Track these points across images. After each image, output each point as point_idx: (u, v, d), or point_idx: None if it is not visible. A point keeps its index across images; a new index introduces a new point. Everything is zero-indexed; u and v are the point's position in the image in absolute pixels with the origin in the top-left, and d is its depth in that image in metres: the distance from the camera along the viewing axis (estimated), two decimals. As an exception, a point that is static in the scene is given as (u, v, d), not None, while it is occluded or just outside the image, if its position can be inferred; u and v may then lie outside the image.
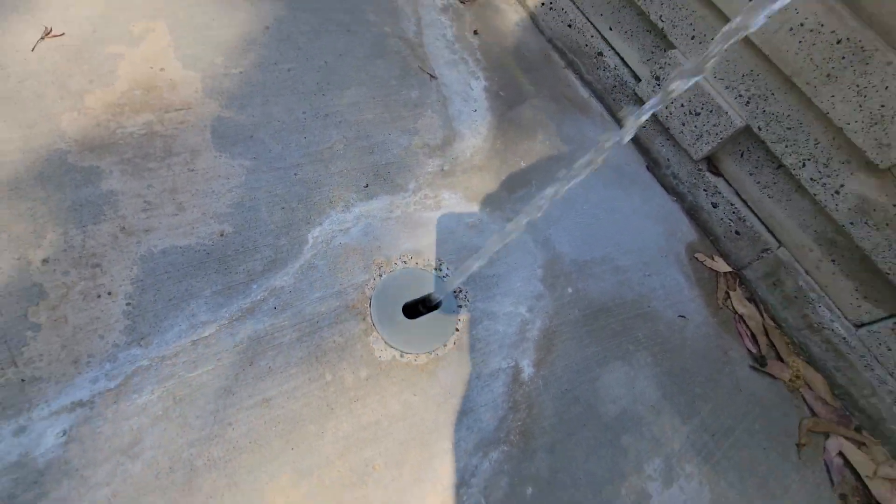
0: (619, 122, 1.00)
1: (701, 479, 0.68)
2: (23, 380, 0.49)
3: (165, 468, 0.49)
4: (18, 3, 0.69)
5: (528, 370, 0.67)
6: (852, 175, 0.73)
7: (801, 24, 0.71)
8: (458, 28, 1.00)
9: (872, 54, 0.65)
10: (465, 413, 0.61)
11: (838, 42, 0.68)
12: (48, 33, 0.68)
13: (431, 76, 0.90)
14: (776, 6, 0.40)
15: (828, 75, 0.70)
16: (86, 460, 0.47)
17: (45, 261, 0.55)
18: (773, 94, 0.78)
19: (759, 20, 0.40)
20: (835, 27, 0.68)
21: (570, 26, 1.03)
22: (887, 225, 0.71)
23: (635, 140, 1.00)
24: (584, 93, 1.04)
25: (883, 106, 0.66)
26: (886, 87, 0.65)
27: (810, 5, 0.69)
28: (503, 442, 0.61)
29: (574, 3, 1.03)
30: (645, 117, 0.47)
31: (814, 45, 0.70)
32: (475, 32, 1.01)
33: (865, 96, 0.67)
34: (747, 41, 0.77)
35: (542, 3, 1.07)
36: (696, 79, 0.46)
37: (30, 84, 0.64)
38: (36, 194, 0.58)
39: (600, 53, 1.00)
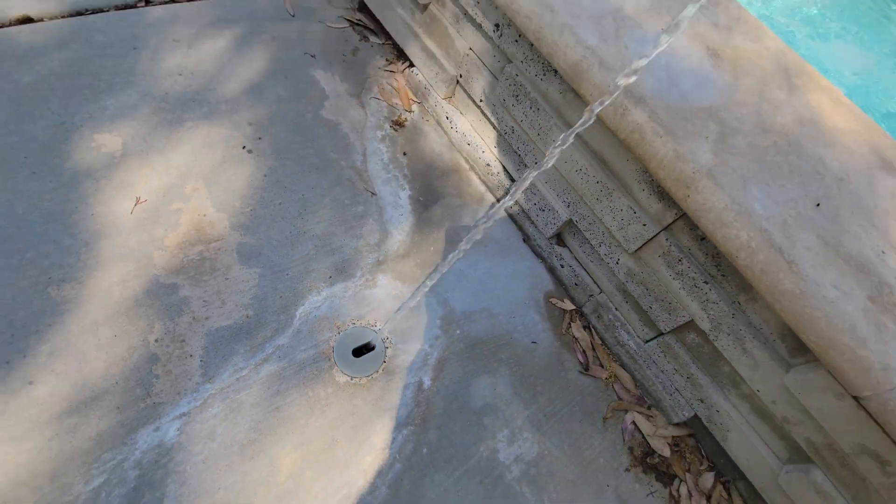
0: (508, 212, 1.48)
1: (533, 441, 1.15)
2: (155, 404, 0.97)
3: (228, 445, 0.97)
4: (119, 185, 1.18)
5: (427, 383, 1.15)
6: (622, 254, 1.21)
7: (580, 169, 1.19)
8: (392, 152, 1.49)
9: (613, 192, 1.13)
10: (388, 409, 1.09)
11: (597, 182, 1.16)
12: (139, 201, 1.17)
13: (372, 193, 1.38)
14: (541, 168, 0.88)
15: (597, 199, 1.18)
16: (189, 443, 0.95)
17: (156, 340, 1.03)
18: (578, 202, 1.26)
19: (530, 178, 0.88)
20: (594, 173, 1.16)
21: (469, 144, 1.52)
22: (642, 283, 1.19)
23: (515, 221, 1.48)
24: (481, 189, 1.52)
25: (623, 220, 1.14)
26: (622, 210, 1.13)
27: (582, 159, 1.17)
28: (410, 424, 1.09)
29: (473, 128, 1.52)
30: (494, 216, 0.95)
31: (587, 181, 1.18)
32: (404, 154, 1.50)
33: (615, 213, 1.15)
34: (558, 172, 1.26)
35: (451, 127, 1.55)
36: (509, 202, 0.93)
37: (133, 236, 1.12)
38: (146, 302, 1.06)
39: (488, 164, 1.48)
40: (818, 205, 0.95)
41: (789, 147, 1.03)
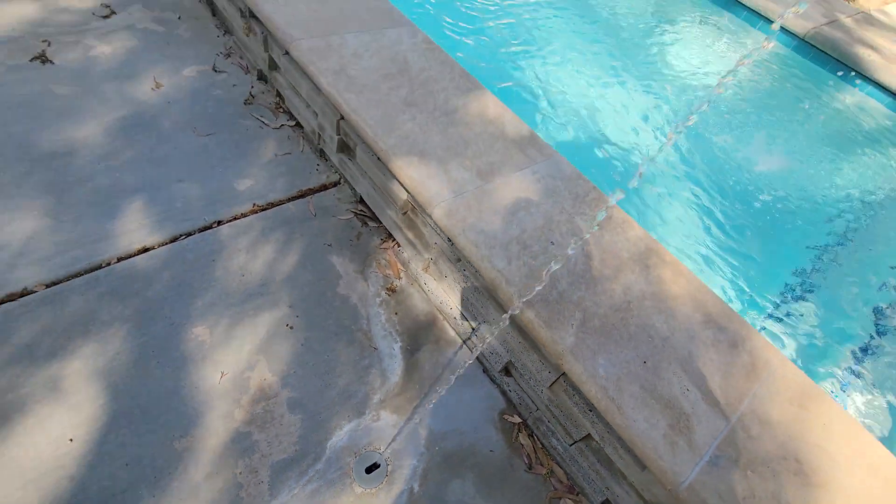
0: (472, 351, 2.08)
1: (491, 526, 1.67)
2: (242, 517, 1.52)
3: (289, 542, 1.51)
4: (210, 363, 1.81)
5: (416, 488, 1.69)
6: (542, 387, 1.79)
7: (509, 333, 1.80)
8: (387, 314, 2.12)
9: (528, 350, 1.74)
10: (390, 510, 1.63)
11: (519, 342, 1.76)
12: (223, 374, 1.79)
13: (374, 348, 2.00)
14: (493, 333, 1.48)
15: (520, 352, 1.78)
16: (265, 542, 1.50)
17: (240, 472, 1.60)
18: (512, 351, 1.86)
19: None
20: (517, 337, 1.77)
21: (441, 303, 2.16)
22: (558, 406, 1.76)
23: (477, 358, 2.08)
24: (453, 335, 2.14)
25: (537, 367, 1.73)
26: (536, 361, 1.72)
27: (510, 328, 1.79)
28: (406, 519, 1.62)
29: (444, 292, 2.16)
30: (461, 370, 1.54)
31: (514, 341, 1.79)
32: (396, 314, 2.14)
33: (532, 362, 1.75)
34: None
35: (429, 291, 2.20)
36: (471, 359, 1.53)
37: (221, 400, 1.73)
38: (231, 447, 1.64)
39: (455, 318, 2.11)
40: (645, 362, 1.54)
41: (631, 319, 1.65)
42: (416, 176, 1.88)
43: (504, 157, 2.07)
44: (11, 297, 1.81)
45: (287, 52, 2.40)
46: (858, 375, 2.73)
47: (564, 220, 1.88)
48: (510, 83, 4.16)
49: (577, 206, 1.97)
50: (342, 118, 2.24)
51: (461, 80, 2.36)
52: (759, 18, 6.59)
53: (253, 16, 2.59)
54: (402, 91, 2.20)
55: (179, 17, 3.14)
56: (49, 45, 2.71)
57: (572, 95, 4.22)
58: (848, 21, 7.01)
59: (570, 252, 1.74)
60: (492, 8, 5.00)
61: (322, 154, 2.63)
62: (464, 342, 2.10)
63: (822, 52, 6.40)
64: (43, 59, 2.62)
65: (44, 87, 2.49)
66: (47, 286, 1.86)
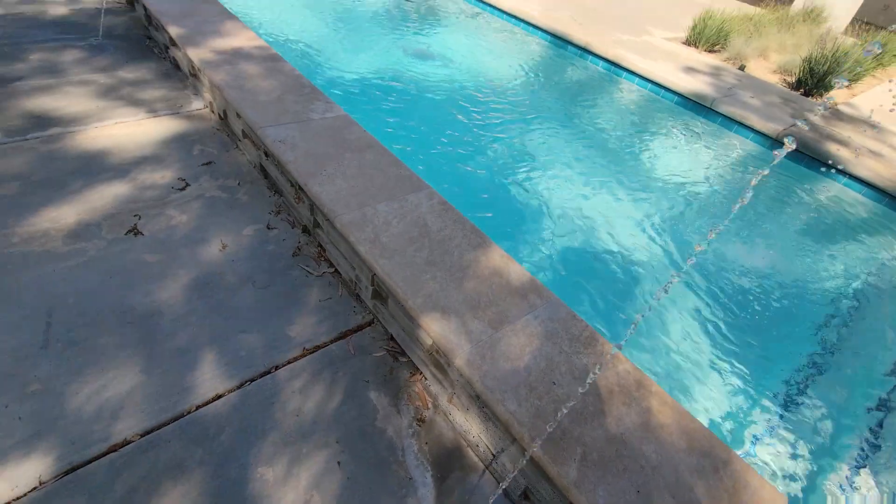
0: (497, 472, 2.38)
1: None
2: None
3: None
4: (272, 501, 2.15)
5: None
6: (544, 485, 2.07)
7: (525, 463, 2.12)
8: (419, 444, 2.47)
9: (542, 479, 2.05)
10: None
11: (533, 471, 2.08)
12: (285, 510, 2.12)
13: (410, 478, 2.32)
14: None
15: (536, 481, 2.09)
16: None
17: None
18: (528, 476, 2.17)
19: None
20: (532, 467, 2.09)
21: (465, 431, 2.50)
22: (571, 531, 2.03)
23: (499, 483, 2.37)
24: (476, 460, 2.45)
25: (551, 494, 2.03)
26: (550, 489, 2.03)
27: (529, 465, 2.12)
28: None
29: (466, 421, 2.51)
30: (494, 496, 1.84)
31: (530, 470, 2.11)
32: (426, 444, 2.47)
33: (548, 490, 2.05)
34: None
35: (453, 420, 2.55)
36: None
37: (284, 534, 2.05)
38: (294, 579, 1.93)
39: (478, 445, 2.44)
40: (638, 491, 1.85)
41: (625, 450, 1.97)
42: (439, 330, 2.32)
43: (510, 304, 2.52)
44: (114, 448, 2.22)
45: (329, 220, 2.99)
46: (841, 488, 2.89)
47: (563, 361, 2.28)
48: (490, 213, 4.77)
49: (574, 345, 2.37)
50: (375, 274, 2.76)
51: (472, 236, 2.90)
52: (734, 123, 7.38)
53: (301, 189, 3.24)
54: (423, 252, 2.73)
55: (239, 183, 3.86)
56: (140, 218, 3.38)
57: (563, 211, 4.79)
58: (816, 119, 7.76)
59: (580, 391, 2.11)
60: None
61: (358, 297, 3.13)
62: (486, 467, 2.41)
63: (796, 150, 7.06)
64: (135, 231, 3.27)
65: (137, 257, 3.10)
66: (142, 435, 2.28)
